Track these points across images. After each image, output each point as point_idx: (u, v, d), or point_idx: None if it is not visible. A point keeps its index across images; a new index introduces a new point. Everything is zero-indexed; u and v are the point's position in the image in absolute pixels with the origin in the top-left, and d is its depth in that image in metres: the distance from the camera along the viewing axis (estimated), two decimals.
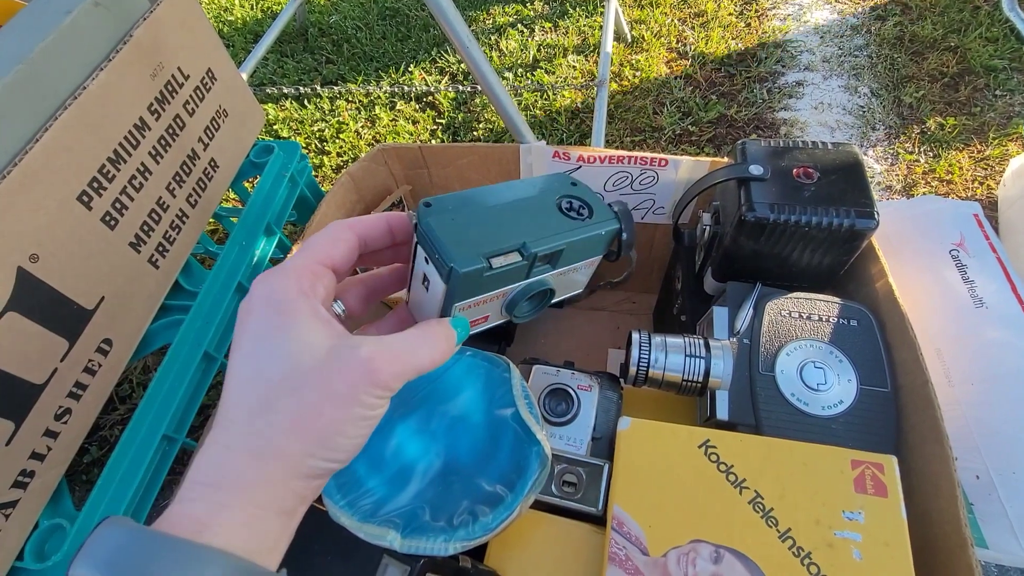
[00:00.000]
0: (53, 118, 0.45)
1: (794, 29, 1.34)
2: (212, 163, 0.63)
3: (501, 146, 0.65)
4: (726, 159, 0.56)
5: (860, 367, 0.44)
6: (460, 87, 1.21)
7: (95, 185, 0.48)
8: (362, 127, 1.26)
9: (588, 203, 0.29)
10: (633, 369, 0.46)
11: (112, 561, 0.18)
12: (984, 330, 0.54)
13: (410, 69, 1.37)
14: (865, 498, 0.36)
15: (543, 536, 0.41)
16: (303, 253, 0.25)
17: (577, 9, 1.45)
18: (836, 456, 0.38)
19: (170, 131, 0.56)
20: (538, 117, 1.21)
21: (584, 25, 1.41)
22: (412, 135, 1.24)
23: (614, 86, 1.24)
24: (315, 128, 1.27)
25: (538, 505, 0.41)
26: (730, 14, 1.38)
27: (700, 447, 0.39)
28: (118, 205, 0.50)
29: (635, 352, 0.46)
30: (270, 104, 1.33)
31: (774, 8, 1.40)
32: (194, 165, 0.60)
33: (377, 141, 1.24)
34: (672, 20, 1.38)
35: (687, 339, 0.47)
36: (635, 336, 0.47)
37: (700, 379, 0.45)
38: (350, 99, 1.32)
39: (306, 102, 1.32)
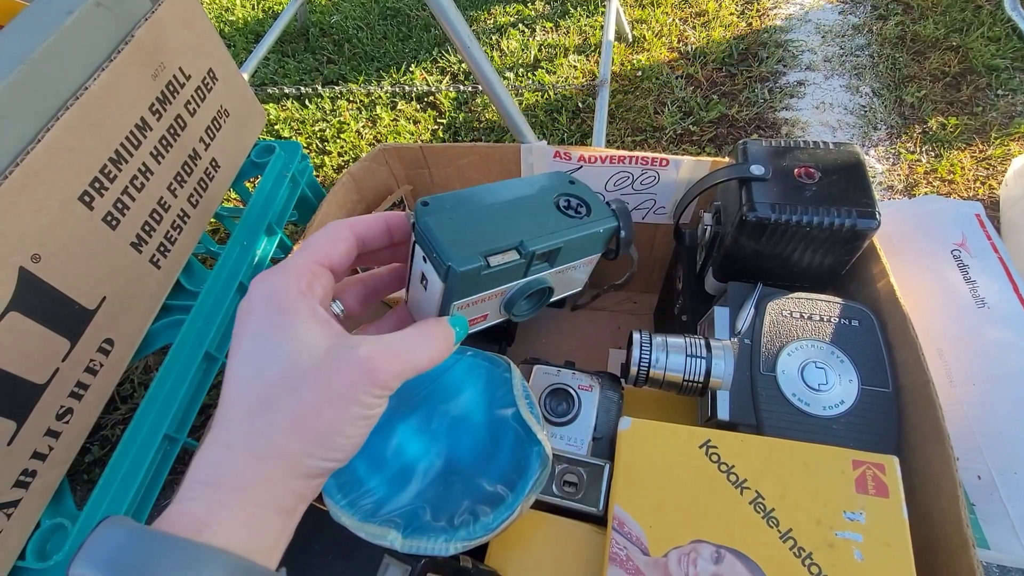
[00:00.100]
0: (55, 118, 0.45)
1: (795, 28, 1.34)
2: (213, 163, 0.63)
3: (502, 146, 0.65)
4: (727, 159, 0.56)
5: (861, 367, 0.44)
6: (461, 87, 1.21)
7: (97, 185, 0.48)
8: (363, 127, 1.26)
9: (586, 201, 0.29)
10: (634, 369, 0.46)
11: (112, 560, 0.18)
12: (986, 330, 0.54)
13: (411, 69, 1.37)
14: (866, 498, 0.36)
15: (544, 536, 0.41)
16: (302, 253, 0.25)
17: (578, 9, 1.45)
18: (837, 456, 0.38)
19: (171, 131, 0.56)
20: (539, 117, 1.21)
21: (585, 25, 1.41)
22: (413, 135, 1.24)
23: (615, 86, 1.24)
24: (316, 128, 1.27)
25: (539, 505, 0.41)
26: (731, 13, 1.38)
27: (701, 447, 0.39)
28: (120, 205, 0.50)
29: (636, 352, 0.46)
30: (271, 104, 1.34)
31: (775, 7, 1.40)
32: (195, 165, 0.60)
33: (378, 141, 1.24)
34: (673, 20, 1.38)
35: (688, 339, 0.47)
36: (636, 336, 0.47)
37: (701, 379, 0.45)
38: (351, 99, 1.32)
39: (307, 102, 1.32)
